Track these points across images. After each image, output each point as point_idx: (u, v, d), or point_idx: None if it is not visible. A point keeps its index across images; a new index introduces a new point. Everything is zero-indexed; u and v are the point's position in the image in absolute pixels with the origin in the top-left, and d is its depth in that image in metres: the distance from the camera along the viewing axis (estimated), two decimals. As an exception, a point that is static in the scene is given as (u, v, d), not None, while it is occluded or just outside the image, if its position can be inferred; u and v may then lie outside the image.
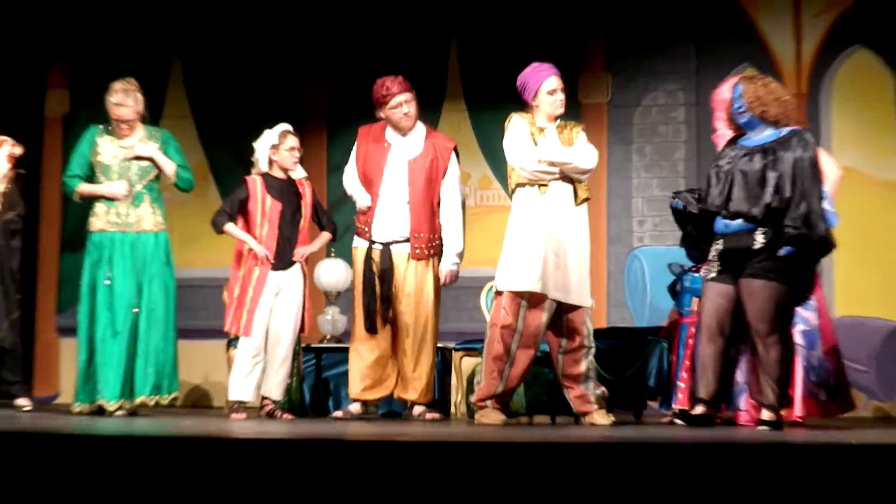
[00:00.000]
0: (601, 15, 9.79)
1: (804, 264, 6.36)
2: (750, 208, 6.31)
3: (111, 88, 7.45)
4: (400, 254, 7.34)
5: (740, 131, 6.58)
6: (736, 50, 9.37)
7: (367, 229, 7.39)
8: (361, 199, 7.44)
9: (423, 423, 7.11)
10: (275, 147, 7.53)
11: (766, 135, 6.45)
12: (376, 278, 7.33)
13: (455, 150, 7.51)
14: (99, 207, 7.40)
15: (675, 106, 9.49)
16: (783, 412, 6.48)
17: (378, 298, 7.32)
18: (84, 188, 7.42)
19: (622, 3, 9.78)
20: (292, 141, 7.57)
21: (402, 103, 7.37)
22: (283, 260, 7.48)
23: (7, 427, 5.61)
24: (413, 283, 7.32)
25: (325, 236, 7.79)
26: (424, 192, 7.35)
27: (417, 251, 7.33)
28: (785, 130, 6.42)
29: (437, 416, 7.38)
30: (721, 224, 6.45)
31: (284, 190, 7.55)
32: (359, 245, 7.46)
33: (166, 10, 10.35)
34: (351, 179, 7.57)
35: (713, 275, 6.49)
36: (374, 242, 7.37)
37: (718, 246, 6.47)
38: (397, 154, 7.44)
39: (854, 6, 9.32)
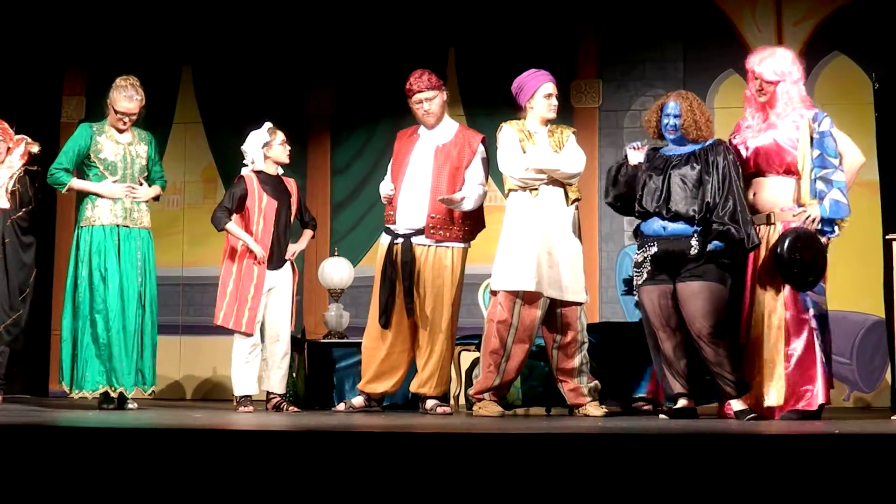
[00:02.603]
0: (593, 24, 9.88)
1: (728, 260, 6.52)
2: (689, 208, 6.50)
3: (117, 85, 7.59)
4: (421, 246, 7.33)
5: (661, 139, 6.80)
6: (721, 57, 9.47)
7: (392, 213, 7.37)
8: (384, 188, 7.45)
9: (428, 415, 7.08)
10: (267, 144, 7.60)
11: (693, 146, 6.68)
12: (398, 274, 7.29)
13: (484, 141, 7.48)
14: (102, 203, 7.55)
15: (663, 110, 9.58)
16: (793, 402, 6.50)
17: (401, 293, 7.28)
18: (77, 183, 7.55)
19: (613, 12, 9.87)
20: (282, 135, 7.67)
21: (422, 101, 7.41)
22: (276, 258, 7.56)
23: (28, 421, 5.75)
24: (431, 276, 7.29)
25: (309, 234, 7.87)
26: (449, 178, 7.30)
27: (432, 230, 7.27)
28: (711, 140, 6.67)
29: (447, 410, 7.29)
30: (658, 226, 6.60)
31: (276, 187, 7.63)
32: (382, 241, 7.46)
33: (178, 18, 10.40)
34: (383, 183, 7.59)
35: (645, 277, 6.63)
36: (396, 236, 7.35)
37: (652, 248, 6.61)
38: (426, 142, 7.45)
39: (832, 15, 9.46)
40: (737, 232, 6.41)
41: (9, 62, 10.11)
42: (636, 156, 6.84)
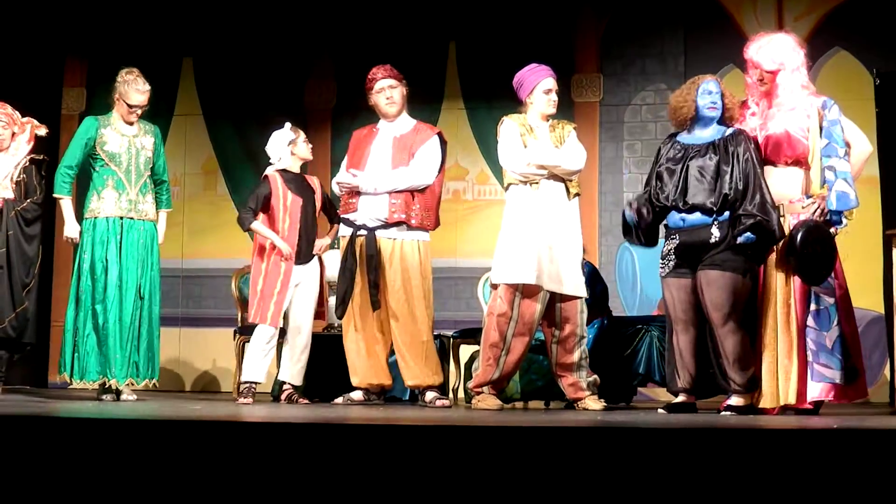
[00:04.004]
0: (593, 18, 9.90)
1: (757, 253, 6.46)
2: (706, 200, 6.47)
3: (125, 79, 7.55)
4: (386, 239, 7.32)
5: (681, 127, 6.75)
6: (722, 51, 9.40)
7: (354, 202, 7.37)
8: (345, 176, 7.41)
9: (427, 408, 7.06)
10: (293, 142, 7.71)
11: (709, 133, 6.64)
12: (358, 266, 7.31)
13: (440, 135, 7.51)
14: (108, 194, 7.49)
15: (664, 104, 9.19)
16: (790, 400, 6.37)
17: (364, 285, 7.29)
18: (64, 205, 7.53)
19: (613, 6, 9.91)
20: (303, 133, 7.84)
21: (384, 88, 7.44)
22: (304, 253, 7.63)
23: (26, 411, 5.70)
24: (402, 270, 7.29)
25: (336, 228, 7.90)
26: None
27: (394, 213, 7.28)
28: (728, 129, 6.62)
29: (446, 402, 7.28)
30: (677, 218, 6.58)
31: (300, 184, 7.71)
32: (344, 234, 7.46)
33: (178, 10, 10.44)
34: (340, 175, 7.56)
35: (669, 269, 6.61)
36: (359, 228, 7.36)
37: (675, 241, 6.59)
38: (384, 134, 7.49)
39: (833, 11, 9.49)
40: (768, 224, 6.38)
41: (9, 53, 10.11)
42: (632, 216, 6.79)
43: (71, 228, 7.52)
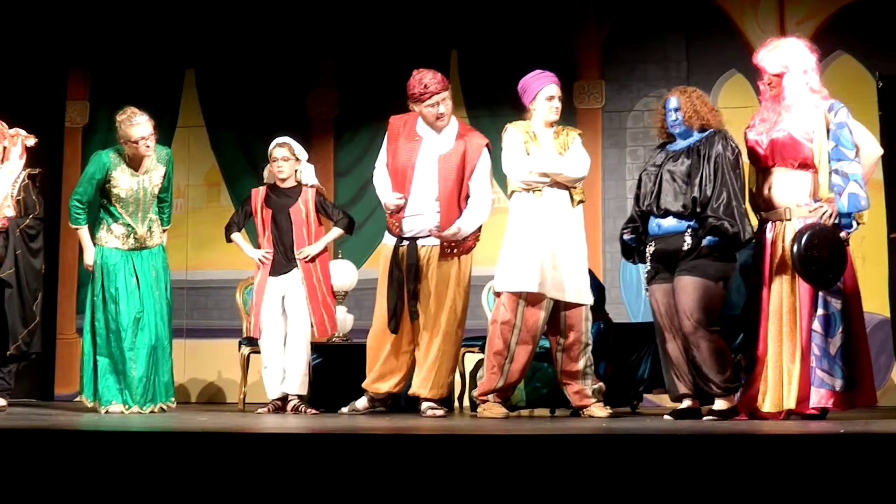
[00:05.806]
0: (595, 25, 9.92)
1: (725, 254, 6.43)
2: (677, 203, 6.44)
3: (119, 121, 7.40)
4: (426, 248, 7.21)
5: (671, 137, 6.73)
6: (724, 57, 9.52)
7: (397, 224, 7.25)
8: (391, 198, 7.22)
9: (427, 419, 6.98)
10: (271, 159, 7.88)
11: (692, 139, 6.61)
12: (404, 276, 7.18)
13: (488, 146, 7.28)
14: (116, 229, 7.45)
15: (666, 111, 9.59)
16: (791, 406, 6.32)
17: (405, 295, 7.17)
18: (82, 234, 7.49)
19: (615, 13, 9.93)
20: (277, 153, 7.81)
21: (438, 102, 7.17)
22: (280, 265, 7.76)
23: (32, 425, 5.73)
24: (437, 278, 7.17)
25: (335, 232, 7.94)
26: (454, 188, 7.16)
27: (447, 249, 7.18)
28: (709, 131, 6.58)
29: (438, 413, 7.13)
30: (654, 225, 6.58)
31: (282, 196, 7.81)
32: (387, 242, 7.34)
33: (181, 22, 10.45)
34: (381, 177, 7.38)
35: (653, 276, 6.60)
36: (402, 238, 7.23)
37: (651, 247, 6.61)
38: (428, 149, 7.25)
39: (835, 15, 9.49)
40: (731, 226, 6.34)
41: (12, 66, 10.11)
42: (631, 237, 6.80)
43: (90, 256, 7.52)
